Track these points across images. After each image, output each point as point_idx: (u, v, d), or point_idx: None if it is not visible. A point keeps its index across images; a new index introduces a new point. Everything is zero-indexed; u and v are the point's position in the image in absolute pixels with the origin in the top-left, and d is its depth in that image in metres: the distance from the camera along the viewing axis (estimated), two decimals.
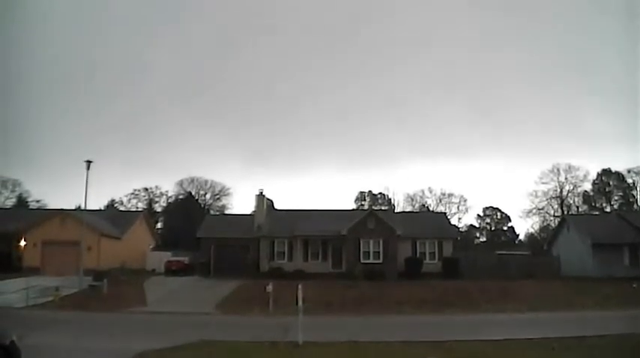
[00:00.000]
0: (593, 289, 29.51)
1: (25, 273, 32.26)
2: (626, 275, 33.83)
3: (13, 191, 66.79)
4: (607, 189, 70.77)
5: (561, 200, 70.39)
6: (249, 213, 48.41)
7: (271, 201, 45.04)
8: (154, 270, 41.72)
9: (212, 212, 67.91)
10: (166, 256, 43.38)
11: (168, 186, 75.98)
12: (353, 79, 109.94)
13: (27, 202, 65.71)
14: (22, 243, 38.03)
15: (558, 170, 69.68)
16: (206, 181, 74.66)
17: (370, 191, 79.47)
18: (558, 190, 70.25)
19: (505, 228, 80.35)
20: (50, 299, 26.08)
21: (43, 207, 60.69)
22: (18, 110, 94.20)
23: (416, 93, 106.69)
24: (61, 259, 35.72)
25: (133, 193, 74.72)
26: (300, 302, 14.99)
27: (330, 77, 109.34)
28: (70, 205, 50.38)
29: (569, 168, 69.71)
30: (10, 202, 65.43)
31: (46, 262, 37.14)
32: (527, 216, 72.96)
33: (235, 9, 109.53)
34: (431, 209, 73.80)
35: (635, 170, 67.78)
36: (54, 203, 64.53)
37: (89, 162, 31.32)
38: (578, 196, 71.52)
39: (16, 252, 37.95)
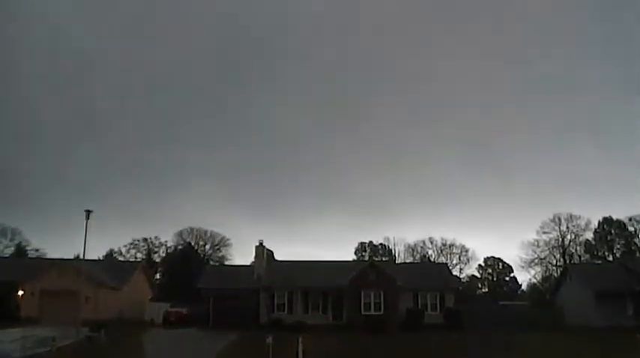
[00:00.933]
0: (597, 340, 29.00)
1: (22, 323, 31.89)
2: (630, 325, 33.34)
3: (12, 239, 66.72)
4: (609, 238, 70.58)
5: (563, 249, 70.06)
6: (249, 264, 48.14)
7: (271, 252, 44.76)
8: (152, 321, 41.10)
9: (212, 262, 67.41)
10: (165, 307, 42.83)
11: (167, 236, 75.76)
12: (354, 130, 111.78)
13: (26, 251, 65.40)
14: (20, 292, 37.72)
15: (559, 219, 69.81)
16: (206, 232, 74.58)
17: (371, 242, 79.25)
18: (560, 240, 70.09)
19: (507, 279, 79.58)
20: (47, 349, 25.62)
21: (42, 256, 60.44)
22: (18, 158, 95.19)
23: (417, 145, 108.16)
24: (58, 309, 35.21)
25: (132, 243, 74.57)
26: (300, 357, 14.86)
27: (331, 128, 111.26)
28: (69, 255, 50.08)
29: (571, 218, 69.85)
30: (9, 251, 65.13)
31: (44, 312, 36.65)
32: (530, 266, 72.23)
33: (235, 56, 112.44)
34: (432, 260, 73.30)
35: (636, 218, 67.92)
36: (53, 252, 64.21)
37: (89, 211, 31.30)
38: (580, 245, 71.27)
39: (14, 302, 37.57)
